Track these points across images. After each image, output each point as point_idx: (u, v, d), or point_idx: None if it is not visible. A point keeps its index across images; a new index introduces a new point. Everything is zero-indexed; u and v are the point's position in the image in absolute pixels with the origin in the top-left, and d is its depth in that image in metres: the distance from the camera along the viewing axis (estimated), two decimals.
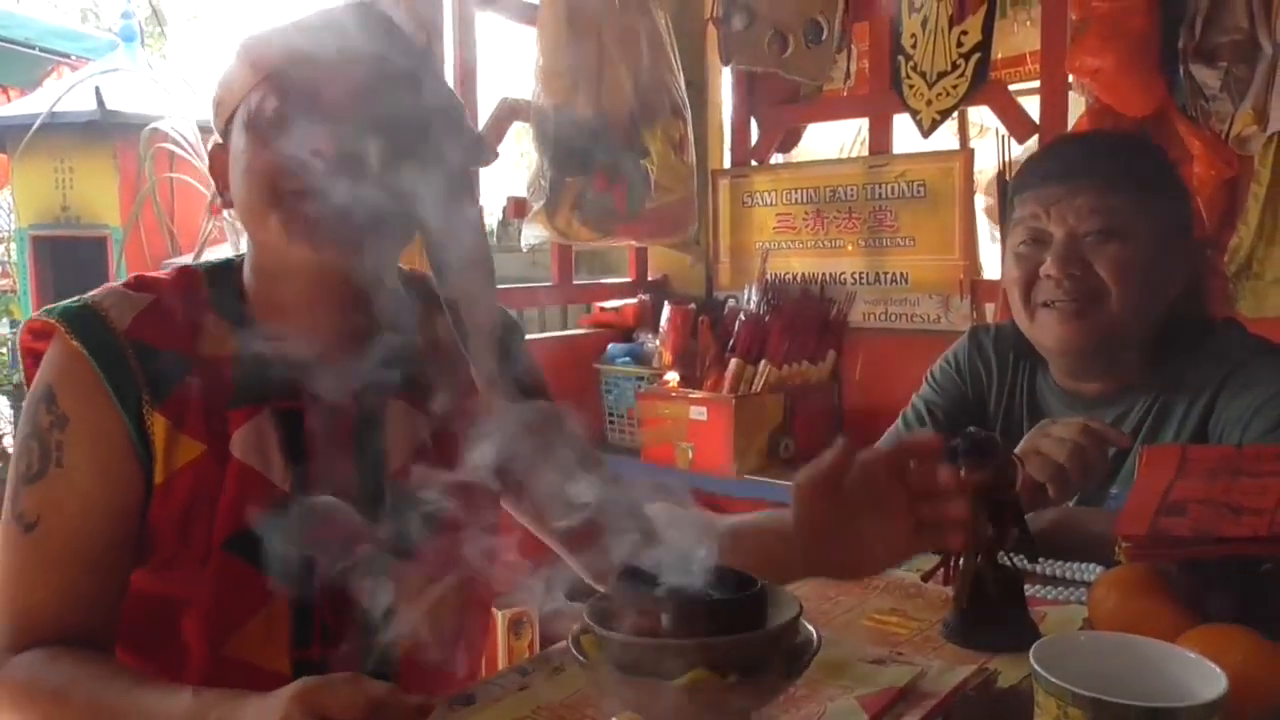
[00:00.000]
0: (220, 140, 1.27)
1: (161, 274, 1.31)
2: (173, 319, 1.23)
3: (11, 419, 7.60)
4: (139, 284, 1.27)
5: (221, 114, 1.25)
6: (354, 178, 1.13)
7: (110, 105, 5.58)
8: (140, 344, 1.20)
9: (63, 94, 5.78)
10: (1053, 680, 0.82)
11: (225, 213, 4.96)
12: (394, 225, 1.22)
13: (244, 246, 1.32)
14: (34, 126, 5.54)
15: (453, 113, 1.28)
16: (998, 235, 2.69)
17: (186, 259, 5.35)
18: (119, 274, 5.64)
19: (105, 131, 5.65)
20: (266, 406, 1.22)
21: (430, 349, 1.32)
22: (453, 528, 1.22)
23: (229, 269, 1.33)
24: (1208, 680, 0.84)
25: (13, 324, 7.36)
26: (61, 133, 5.65)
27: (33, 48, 7.43)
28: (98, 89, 5.60)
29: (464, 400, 1.25)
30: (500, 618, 2.90)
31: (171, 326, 1.22)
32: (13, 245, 7.41)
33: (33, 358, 1.24)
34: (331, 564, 1.16)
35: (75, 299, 1.23)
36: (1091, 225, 1.65)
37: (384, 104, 1.18)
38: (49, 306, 1.22)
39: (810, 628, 1.01)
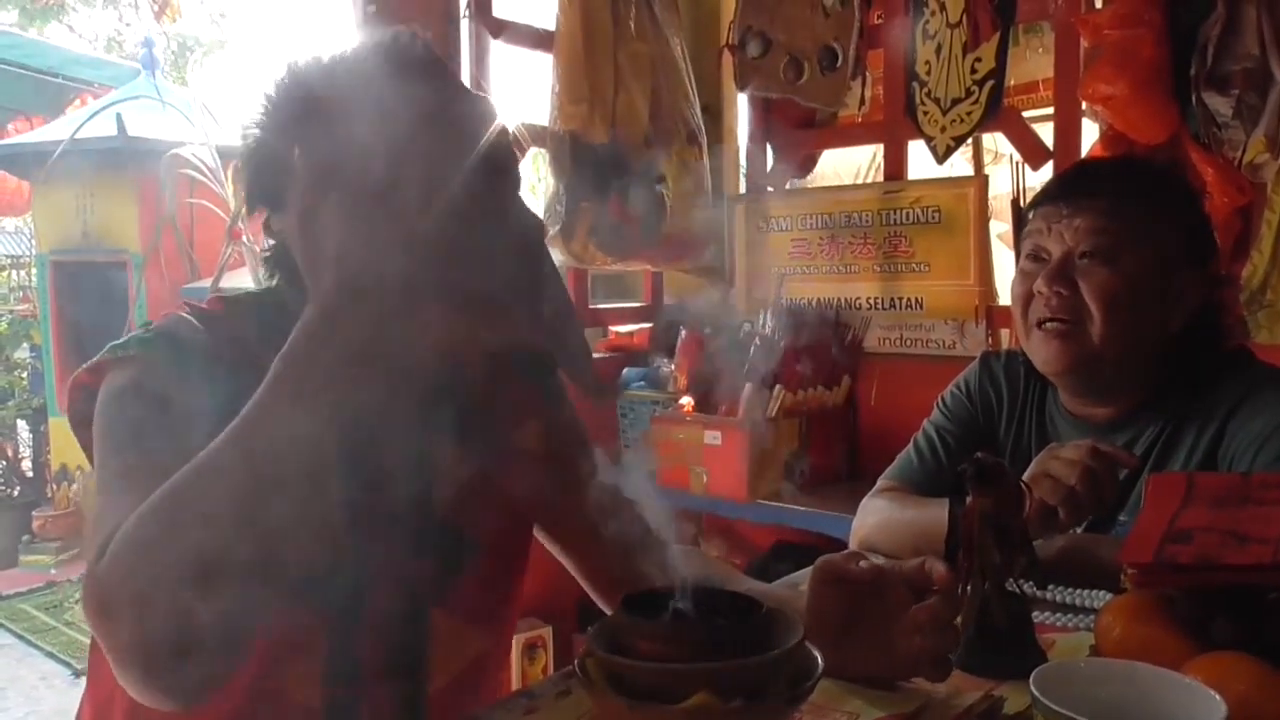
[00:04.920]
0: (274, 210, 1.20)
1: (204, 304, 1.24)
2: (235, 354, 1.16)
3: (30, 442, 7.65)
4: (202, 317, 1.21)
5: (273, 185, 1.17)
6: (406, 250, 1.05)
7: (132, 132, 5.64)
8: (217, 376, 1.12)
9: (85, 121, 5.84)
10: (1052, 706, 0.82)
11: (245, 237, 5.02)
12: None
13: (263, 274, 1.27)
14: (56, 153, 5.60)
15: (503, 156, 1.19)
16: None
17: (205, 284, 5.40)
18: (139, 299, 5.69)
19: (126, 158, 5.70)
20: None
21: (487, 394, 1.28)
22: (489, 573, 1.26)
23: (274, 307, 1.22)
24: (1208, 708, 0.84)
25: (33, 349, 7.41)
26: (83, 159, 5.71)
27: (56, 76, 7.53)
28: (119, 116, 5.66)
29: (513, 445, 1.27)
30: (514, 642, 2.90)
31: (234, 362, 1.14)
32: (33, 270, 7.48)
33: (84, 392, 1.17)
34: (370, 604, 1.17)
35: (144, 330, 1.18)
36: (1086, 246, 1.65)
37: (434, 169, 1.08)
38: (121, 341, 1.16)
39: (814, 652, 1.02)
